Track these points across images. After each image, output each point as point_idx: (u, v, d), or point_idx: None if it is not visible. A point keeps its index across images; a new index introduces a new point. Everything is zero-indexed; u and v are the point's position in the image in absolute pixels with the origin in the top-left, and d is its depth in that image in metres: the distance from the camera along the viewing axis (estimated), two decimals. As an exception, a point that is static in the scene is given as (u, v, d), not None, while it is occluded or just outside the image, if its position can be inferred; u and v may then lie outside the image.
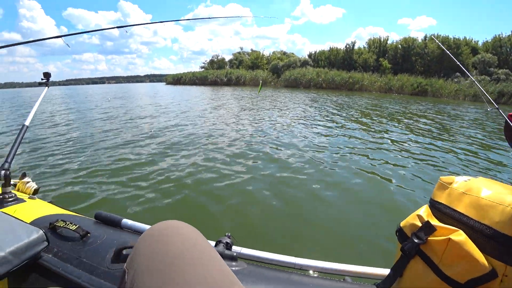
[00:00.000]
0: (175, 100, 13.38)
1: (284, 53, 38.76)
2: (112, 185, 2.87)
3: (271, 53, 40.65)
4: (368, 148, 4.47)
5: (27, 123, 1.40)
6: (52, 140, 5.10)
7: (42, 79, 1.71)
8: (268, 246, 1.76)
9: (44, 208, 0.98)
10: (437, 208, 0.58)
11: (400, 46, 30.10)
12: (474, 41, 28.49)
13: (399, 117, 8.34)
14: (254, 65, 38.00)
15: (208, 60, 46.65)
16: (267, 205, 2.51)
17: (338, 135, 5.52)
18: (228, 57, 45.54)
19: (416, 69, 27.76)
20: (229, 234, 0.78)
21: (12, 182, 1.08)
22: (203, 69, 45.16)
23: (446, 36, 28.44)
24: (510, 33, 26.56)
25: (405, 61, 29.15)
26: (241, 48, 44.81)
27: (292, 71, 30.39)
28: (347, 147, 4.54)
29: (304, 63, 32.39)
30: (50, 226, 0.80)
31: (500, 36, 27.10)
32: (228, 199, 2.58)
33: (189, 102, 11.80)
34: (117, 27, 1.73)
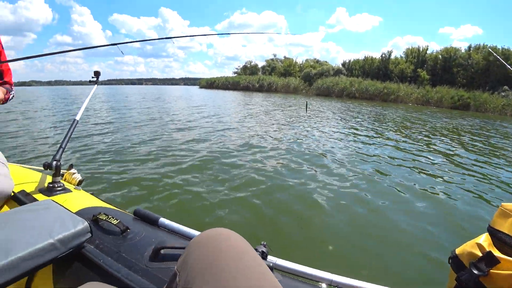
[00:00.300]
0: (213, 104, 13.54)
1: (317, 61, 38.59)
2: (151, 183, 2.96)
3: (304, 61, 40.70)
4: (417, 162, 4.32)
5: (77, 118, 1.48)
6: (95, 135, 5.45)
7: (92, 77, 1.81)
8: (304, 260, 1.95)
9: (87, 200, 1.04)
10: (498, 238, 0.53)
11: (440, 56, 28.71)
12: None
13: (445, 132, 7.87)
14: (287, 72, 38.30)
15: (241, 66, 47.94)
16: (306, 216, 2.46)
17: (382, 145, 5.43)
18: (261, 64, 46.39)
19: (457, 81, 26.20)
20: (265, 243, 0.74)
21: (60, 173, 1.16)
22: (236, 74, 46.41)
23: (493, 46, 26.61)
24: None
25: (445, 72, 27.69)
26: (274, 55, 45.41)
27: (325, 80, 30.17)
28: (394, 159, 4.39)
29: (337, 72, 32.03)
30: (93, 218, 0.84)
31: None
32: (264, 207, 2.54)
33: (226, 108, 11.92)
34: (112, 44, 1.62)
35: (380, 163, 4.23)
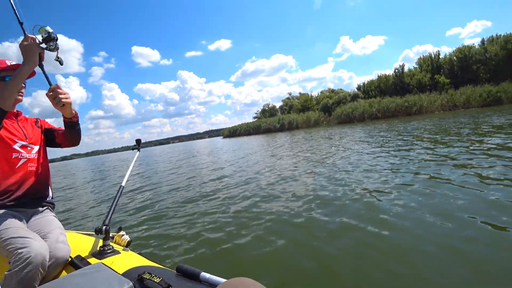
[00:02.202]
0: (238, 155, 12.24)
1: (332, 91, 39.32)
2: (193, 238, 2.98)
3: (319, 93, 41.66)
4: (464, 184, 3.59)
5: (123, 183, 1.54)
6: (138, 197, 5.67)
7: (134, 145, 1.92)
8: None
9: (134, 260, 1.09)
10: None
11: (455, 57, 28.25)
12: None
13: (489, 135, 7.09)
14: (304, 107, 39.30)
15: (260, 110, 50.00)
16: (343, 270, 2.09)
17: (415, 172, 4.64)
18: (278, 104, 48.12)
19: (480, 78, 25.36)
20: None
21: (110, 235, 1.22)
22: (256, 119, 48.12)
23: (509, 34, 25.76)
24: None
25: (465, 72, 26.97)
26: (290, 94, 47.10)
27: (343, 107, 30.42)
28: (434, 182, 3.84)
29: (354, 97, 32.27)
30: (138, 277, 0.88)
31: None
32: (308, 260, 2.28)
33: (251, 155, 11.16)
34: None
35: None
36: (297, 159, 8.10)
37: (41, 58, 1.19)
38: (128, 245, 1.33)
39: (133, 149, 2.00)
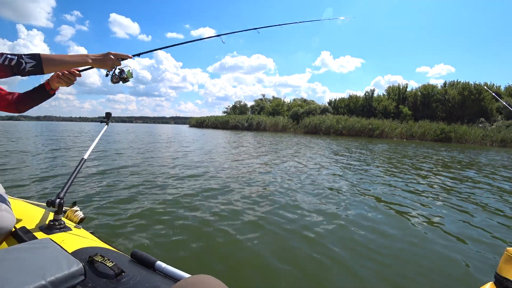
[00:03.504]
0: (204, 143, 13.05)
1: (305, 101, 40.29)
2: (151, 224, 2.83)
3: (291, 100, 42.35)
4: (409, 199, 4.17)
5: (85, 156, 1.48)
6: (98, 173, 5.25)
7: (103, 118, 1.89)
8: None
9: (86, 239, 1.03)
10: (505, 286, 0.48)
11: (419, 93, 30.48)
12: (496, 86, 28.34)
13: (438, 166, 7.80)
14: (275, 111, 39.57)
15: (231, 106, 49.42)
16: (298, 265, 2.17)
17: (370, 182, 5.32)
18: (250, 103, 47.98)
19: (437, 115, 27.69)
20: None
21: (63, 210, 1.15)
22: (225, 113, 47.53)
23: (466, 82, 28.56)
24: (534, 79, 26.42)
25: (425, 108, 29.25)
26: (263, 95, 47.29)
27: (312, 118, 31.21)
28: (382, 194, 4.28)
29: (324, 110, 33.31)
30: (89, 259, 0.83)
31: (523, 81, 26.94)
32: (269, 256, 2.28)
33: (217, 146, 11.33)
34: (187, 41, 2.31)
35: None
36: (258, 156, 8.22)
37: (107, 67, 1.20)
38: (81, 222, 1.25)
39: (101, 122, 1.91)
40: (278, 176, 5.58)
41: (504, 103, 2.00)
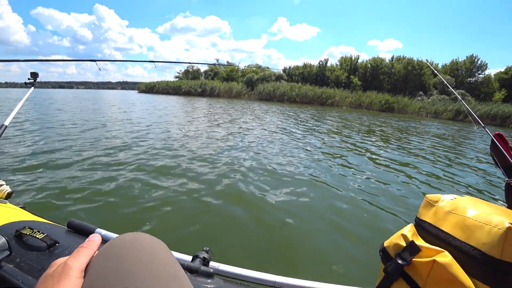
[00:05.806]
0: (154, 111, 12.56)
1: (259, 67, 39.38)
2: (90, 193, 2.71)
3: (246, 66, 41.16)
4: (346, 162, 4.36)
5: (6, 122, 1.34)
6: (27, 142, 4.74)
7: (29, 79, 1.64)
8: (247, 264, 1.60)
9: (14, 214, 0.91)
10: (422, 227, 0.55)
11: (369, 65, 31.71)
12: (435, 64, 30.80)
13: (378, 131, 8.46)
14: (229, 77, 38.10)
15: (183, 70, 46.25)
16: (245, 221, 2.39)
17: (317, 148, 5.39)
18: (203, 68, 45.48)
19: (384, 87, 29.27)
20: (208, 248, 0.75)
21: None
22: (177, 79, 44.57)
23: (411, 58, 30.43)
24: (465, 58, 29.26)
25: (373, 79, 30.66)
26: (217, 60, 45.05)
27: (266, 85, 30.76)
28: (324, 160, 4.38)
29: (278, 77, 32.97)
30: (16, 233, 0.74)
31: (457, 60, 29.86)
32: (207, 214, 2.45)
33: (165, 111, 11.31)
34: (93, 60, 1.85)
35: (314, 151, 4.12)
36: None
37: None
38: (8, 197, 1.08)
39: (26, 84, 1.62)
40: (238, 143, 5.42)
41: (443, 79, 2.23)
